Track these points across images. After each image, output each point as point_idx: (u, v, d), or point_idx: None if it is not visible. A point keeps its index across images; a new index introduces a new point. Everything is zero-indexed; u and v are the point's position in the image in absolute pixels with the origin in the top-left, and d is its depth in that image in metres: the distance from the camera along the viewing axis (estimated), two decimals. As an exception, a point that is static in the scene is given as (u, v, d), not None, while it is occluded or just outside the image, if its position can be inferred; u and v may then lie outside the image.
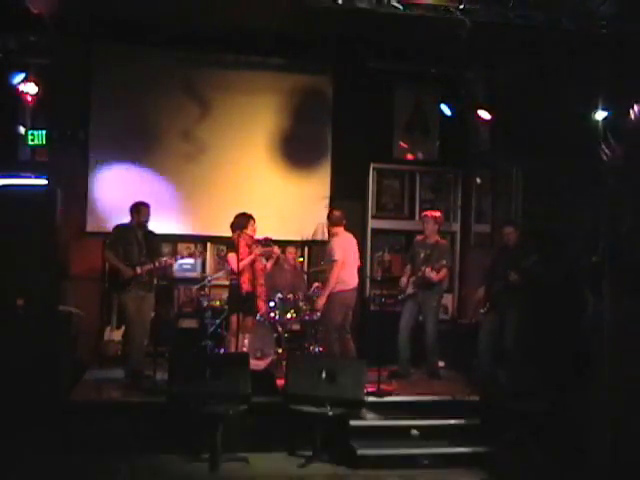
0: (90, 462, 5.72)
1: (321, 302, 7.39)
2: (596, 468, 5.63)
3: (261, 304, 7.45)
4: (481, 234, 8.91)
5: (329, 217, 7.66)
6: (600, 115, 6.48)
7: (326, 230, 7.83)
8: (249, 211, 7.44)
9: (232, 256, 7.25)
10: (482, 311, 7.41)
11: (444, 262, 7.42)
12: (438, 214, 7.79)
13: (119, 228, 7.09)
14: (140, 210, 7.06)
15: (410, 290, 7.58)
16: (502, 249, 7.45)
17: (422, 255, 7.58)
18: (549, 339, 6.93)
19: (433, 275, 7.39)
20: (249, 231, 7.30)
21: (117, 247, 6.97)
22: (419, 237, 7.82)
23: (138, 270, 6.91)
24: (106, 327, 7.89)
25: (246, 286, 7.28)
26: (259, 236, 7.55)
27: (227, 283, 7.67)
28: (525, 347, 7.09)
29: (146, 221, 7.09)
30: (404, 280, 7.66)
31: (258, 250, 7.36)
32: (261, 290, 7.44)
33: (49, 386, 6.36)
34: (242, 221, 7.29)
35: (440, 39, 6.68)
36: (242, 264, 7.17)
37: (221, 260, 8.41)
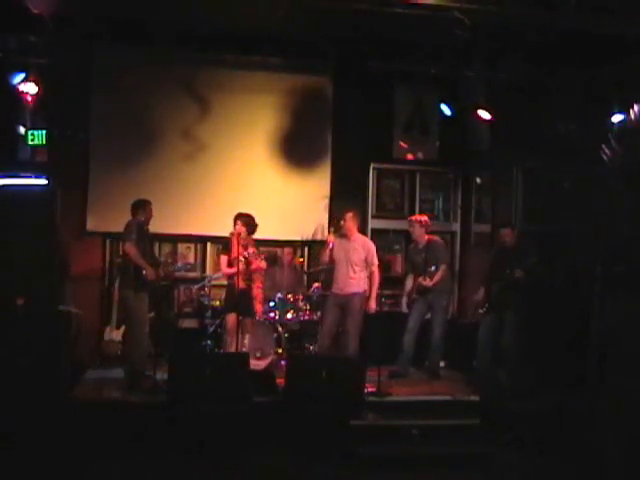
0: (90, 462, 5.71)
1: (373, 305, 7.41)
2: (596, 468, 5.63)
3: (258, 306, 7.42)
4: (481, 234, 8.92)
5: (358, 219, 7.72)
6: (600, 115, 6.49)
7: (352, 230, 7.61)
8: (249, 211, 7.48)
9: (222, 257, 7.50)
10: (481, 311, 7.44)
11: (439, 263, 7.52)
12: (424, 218, 7.82)
13: (136, 224, 6.92)
14: (147, 207, 7.03)
15: (414, 296, 7.63)
16: (500, 250, 7.48)
17: (419, 260, 7.65)
18: (548, 339, 6.94)
19: (427, 283, 7.48)
20: (236, 230, 7.33)
21: (138, 244, 6.83)
22: (412, 244, 7.88)
23: (161, 273, 6.94)
24: (106, 327, 7.89)
25: (241, 284, 7.26)
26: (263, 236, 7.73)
27: (226, 283, 7.68)
28: (524, 347, 7.10)
29: (150, 219, 7.09)
30: (409, 284, 7.74)
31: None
32: (258, 292, 7.42)
33: (49, 386, 6.35)
34: (235, 220, 7.39)
35: (440, 39, 6.68)
36: (230, 270, 7.25)
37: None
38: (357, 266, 7.46)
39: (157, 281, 7.03)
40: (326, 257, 7.61)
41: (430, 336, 7.62)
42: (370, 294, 7.45)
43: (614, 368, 5.68)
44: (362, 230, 8.75)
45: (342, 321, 7.53)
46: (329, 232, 7.76)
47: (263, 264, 7.65)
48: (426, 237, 7.71)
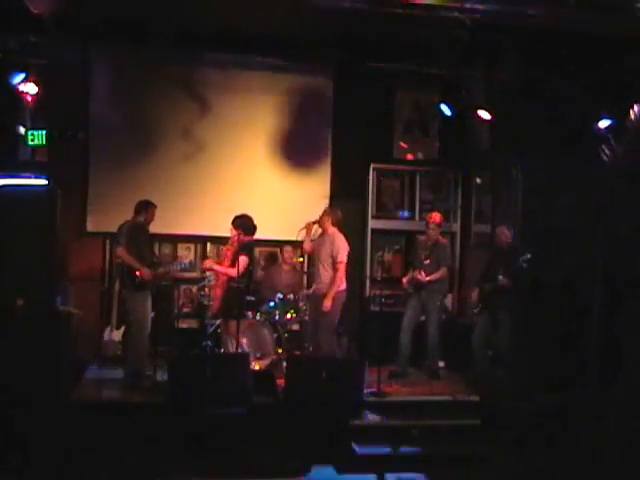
0: (90, 462, 5.71)
1: (328, 303, 7.22)
2: (596, 468, 5.63)
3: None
4: (481, 234, 8.92)
5: (335, 214, 7.59)
6: (600, 115, 6.50)
7: (325, 226, 7.54)
8: (249, 210, 7.47)
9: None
10: (474, 311, 7.46)
11: (441, 263, 7.55)
12: (440, 219, 7.76)
13: (133, 225, 6.95)
14: (149, 209, 7.03)
15: (410, 289, 7.63)
16: (496, 250, 7.51)
17: (422, 256, 7.65)
18: (547, 339, 6.93)
19: (421, 277, 7.48)
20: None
21: (130, 246, 6.85)
22: (422, 237, 7.89)
23: (160, 271, 6.94)
24: (106, 327, 7.89)
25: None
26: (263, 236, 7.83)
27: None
28: (523, 347, 7.10)
29: (151, 221, 7.09)
30: (405, 279, 7.73)
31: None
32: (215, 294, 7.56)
33: (49, 386, 6.34)
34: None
35: (440, 39, 6.68)
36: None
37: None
38: (326, 262, 7.37)
39: (154, 281, 7.02)
40: (306, 246, 7.70)
41: (426, 337, 7.62)
42: (328, 292, 7.25)
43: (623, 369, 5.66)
44: (362, 230, 8.78)
45: (316, 320, 7.45)
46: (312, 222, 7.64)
47: (229, 271, 7.36)
48: (437, 237, 7.72)
